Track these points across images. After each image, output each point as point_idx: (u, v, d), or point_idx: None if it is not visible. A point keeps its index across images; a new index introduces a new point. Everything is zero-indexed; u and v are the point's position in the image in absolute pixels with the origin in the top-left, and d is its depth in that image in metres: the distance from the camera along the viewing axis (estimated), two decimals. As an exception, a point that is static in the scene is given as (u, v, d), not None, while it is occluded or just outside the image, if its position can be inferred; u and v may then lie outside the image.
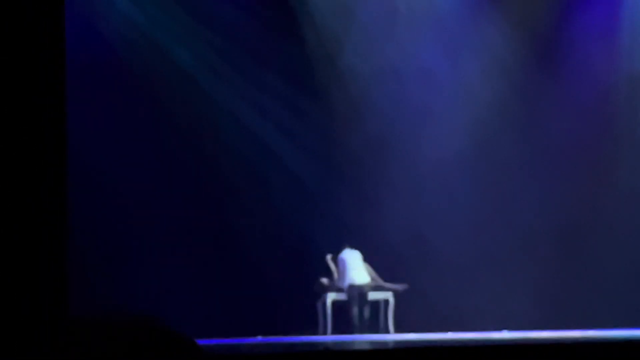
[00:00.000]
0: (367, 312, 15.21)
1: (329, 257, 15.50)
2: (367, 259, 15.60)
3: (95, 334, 1.30)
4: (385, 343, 12.37)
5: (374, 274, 15.49)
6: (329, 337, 14.51)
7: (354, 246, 15.58)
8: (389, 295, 15.35)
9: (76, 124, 8.04)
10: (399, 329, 15.18)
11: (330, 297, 15.20)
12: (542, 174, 16.46)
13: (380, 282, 15.46)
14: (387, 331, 15.16)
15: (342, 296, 15.24)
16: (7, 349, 5.63)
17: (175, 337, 1.31)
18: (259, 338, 13.52)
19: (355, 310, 15.10)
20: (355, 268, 15.39)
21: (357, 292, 15.20)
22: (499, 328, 14.09)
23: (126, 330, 1.32)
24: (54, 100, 6.09)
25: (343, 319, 15.16)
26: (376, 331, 15.10)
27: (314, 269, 15.60)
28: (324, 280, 15.35)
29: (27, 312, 5.70)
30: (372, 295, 15.37)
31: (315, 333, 14.94)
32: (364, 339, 13.69)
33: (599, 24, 16.56)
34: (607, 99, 16.60)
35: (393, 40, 16.18)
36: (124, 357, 1.26)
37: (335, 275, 15.39)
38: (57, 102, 6.07)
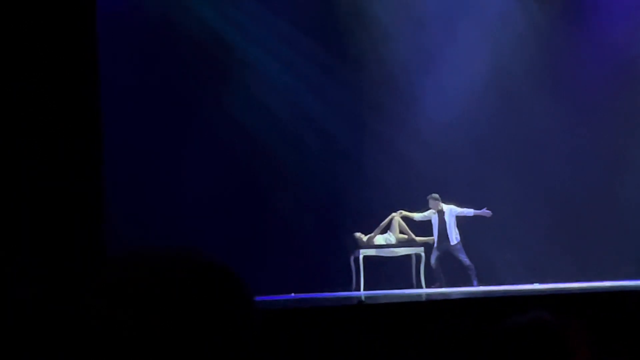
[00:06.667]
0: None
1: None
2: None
3: (135, 270, 1.37)
4: (418, 296, 12.43)
5: (406, 229, 15.56)
6: (362, 293, 14.57)
7: (383, 202, 15.65)
8: (420, 250, 15.40)
9: (109, 87, 8.18)
10: (430, 283, 15.26)
11: (363, 252, 15.24)
12: (573, 129, 16.45)
13: (412, 236, 15.53)
14: (419, 285, 15.23)
15: (374, 252, 15.29)
16: (44, 290, 5.78)
17: (220, 270, 1.39)
18: (292, 295, 13.60)
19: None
20: (389, 225, 15.49)
21: (389, 248, 15.33)
22: (530, 281, 14.14)
23: (168, 265, 1.39)
24: (87, 62, 6.23)
25: (376, 274, 15.22)
26: (409, 285, 15.18)
27: (346, 225, 15.69)
28: (357, 235, 15.36)
29: (65, 254, 5.87)
30: (404, 251, 15.45)
31: (348, 289, 15.03)
32: (396, 293, 13.75)
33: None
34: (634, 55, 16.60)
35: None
36: (169, 293, 1.33)
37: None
38: (90, 61, 6.21)
